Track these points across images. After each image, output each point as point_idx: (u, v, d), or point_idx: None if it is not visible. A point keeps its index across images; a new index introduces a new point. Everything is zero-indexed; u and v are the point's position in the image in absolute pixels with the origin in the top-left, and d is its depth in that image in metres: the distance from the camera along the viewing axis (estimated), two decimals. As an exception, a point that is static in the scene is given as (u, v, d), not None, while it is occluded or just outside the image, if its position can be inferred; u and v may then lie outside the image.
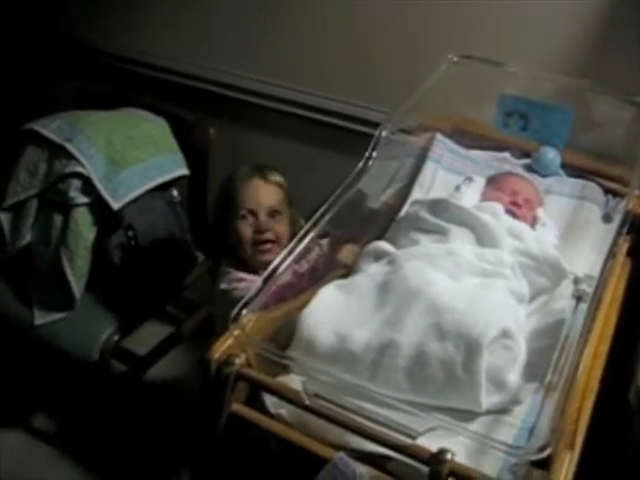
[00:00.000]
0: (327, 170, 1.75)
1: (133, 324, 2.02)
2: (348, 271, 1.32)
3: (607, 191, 1.50)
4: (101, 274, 1.94)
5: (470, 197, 1.39)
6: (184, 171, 1.99)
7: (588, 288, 1.25)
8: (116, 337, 1.93)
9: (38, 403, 2.32)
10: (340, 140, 1.99)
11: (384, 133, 1.39)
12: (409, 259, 1.16)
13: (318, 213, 1.29)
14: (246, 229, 1.65)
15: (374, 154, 1.33)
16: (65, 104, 2.20)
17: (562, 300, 1.24)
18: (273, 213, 1.67)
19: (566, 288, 1.26)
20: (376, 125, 1.48)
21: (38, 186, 1.88)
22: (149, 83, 2.25)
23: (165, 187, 1.99)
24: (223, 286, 1.65)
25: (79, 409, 2.29)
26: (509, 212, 1.32)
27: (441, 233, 1.23)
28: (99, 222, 1.87)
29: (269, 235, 1.65)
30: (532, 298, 1.23)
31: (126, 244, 1.89)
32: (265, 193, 1.68)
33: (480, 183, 1.45)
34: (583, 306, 1.25)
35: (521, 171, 1.52)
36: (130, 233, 1.88)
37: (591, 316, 1.08)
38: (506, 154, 1.60)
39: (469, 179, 1.45)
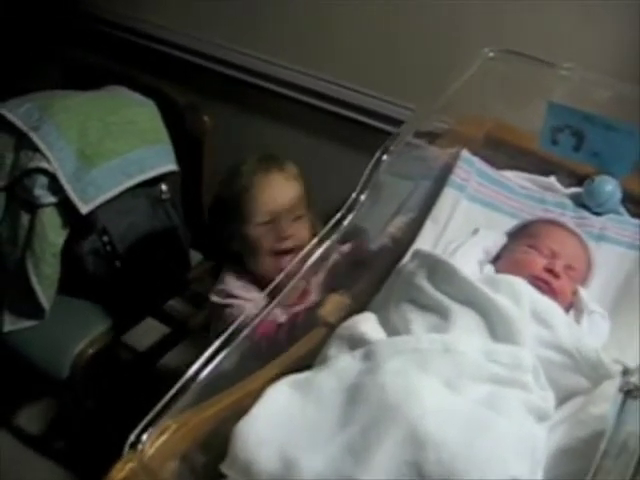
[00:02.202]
0: (340, 169, 1.49)
1: (115, 333, 1.79)
2: (329, 331, 1.04)
3: (679, 238, 1.16)
4: (76, 280, 1.70)
5: (468, 253, 1.08)
6: (171, 167, 1.70)
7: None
8: (91, 350, 1.71)
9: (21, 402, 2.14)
10: (357, 136, 1.69)
11: (385, 157, 1.07)
12: (392, 356, 0.85)
13: (301, 254, 1.00)
14: (265, 238, 1.31)
15: (362, 197, 1.00)
16: (54, 75, 1.94)
17: (603, 403, 0.91)
18: (297, 216, 1.32)
19: (609, 385, 0.93)
20: (399, 123, 1.20)
21: (4, 179, 1.62)
22: (147, 56, 1.99)
23: (152, 182, 1.71)
24: (214, 299, 1.36)
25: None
26: (540, 282, 0.99)
27: (440, 314, 0.91)
28: (70, 225, 1.61)
29: (290, 243, 1.30)
30: (562, 401, 0.92)
31: (101, 250, 1.64)
32: (287, 192, 1.32)
33: (486, 238, 1.13)
34: (633, 404, 0.95)
35: (569, 215, 1.18)
36: (105, 238, 1.62)
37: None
38: (551, 179, 1.26)
39: (473, 232, 1.13)
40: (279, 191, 1.32)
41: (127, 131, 1.65)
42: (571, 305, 1.02)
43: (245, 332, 0.89)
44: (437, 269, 0.96)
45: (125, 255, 1.68)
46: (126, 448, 0.76)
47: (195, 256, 1.94)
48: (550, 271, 1.02)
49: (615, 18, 1.26)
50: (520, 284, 0.95)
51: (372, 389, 0.82)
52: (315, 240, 1.00)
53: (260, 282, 1.33)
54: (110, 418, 1.92)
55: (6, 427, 2.08)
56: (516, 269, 1.02)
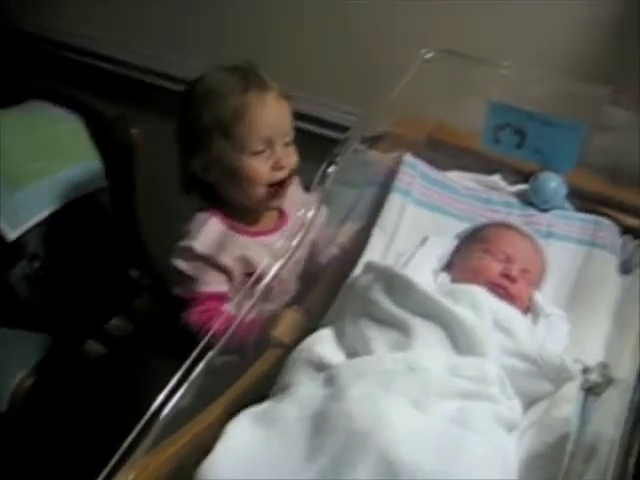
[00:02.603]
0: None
1: (53, 361, 1.70)
2: (283, 352, 1.00)
3: (625, 229, 1.17)
4: (9, 308, 1.61)
5: (421, 263, 1.05)
6: (100, 184, 1.62)
7: (599, 378, 0.95)
8: (30, 381, 1.61)
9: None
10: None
11: (330, 169, 1.03)
12: (355, 379, 0.82)
13: (252, 279, 0.95)
14: (262, 167, 1.15)
15: (310, 214, 0.97)
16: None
17: (565, 404, 0.91)
18: (287, 142, 1.18)
19: (569, 387, 0.93)
20: (339, 128, 1.28)
21: None
22: (73, 70, 1.90)
23: (82, 200, 1.63)
24: (178, 264, 1.16)
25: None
26: (498, 288, 0.98)
27: (401, 330, 0.88)
28: (-3, 251, 1.52)
29: (285, 173, 1.18)
30: (528, 405, 0.91)
31: (32, 275, 1.55)
32: (282, 115, 1.17)
33: (437, 245, 1.12)
34: (595, 401, 0.95)
35: (515, 214, 1.17)
36: (36, 264, 1.54)
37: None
38: (495, 177, 1.25)
39: (422, 241, 1.11)
40: (276, 114, 1.16)
41: (52, 150, 1.57)
42: (528, 309, 1.02)
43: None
44: (393, 283, 0.93)
45: (59, 279, 1.60)
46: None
47: (132, 273, 1.87)
48: (507, 276, 1.00)
49: (547, 14, 1.26)
50: (479, 294, 0.93)
51: (338, 417, 0.79)
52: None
53: (236, 219, 1.21)
54: (56, 449, 1.84)
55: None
56: (472, 276, 1.01)
